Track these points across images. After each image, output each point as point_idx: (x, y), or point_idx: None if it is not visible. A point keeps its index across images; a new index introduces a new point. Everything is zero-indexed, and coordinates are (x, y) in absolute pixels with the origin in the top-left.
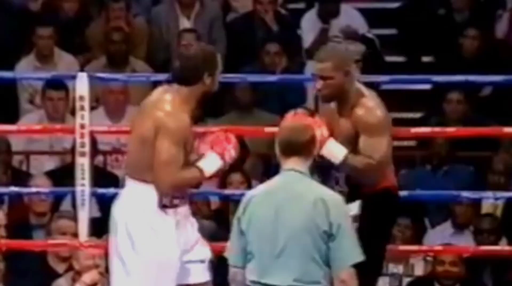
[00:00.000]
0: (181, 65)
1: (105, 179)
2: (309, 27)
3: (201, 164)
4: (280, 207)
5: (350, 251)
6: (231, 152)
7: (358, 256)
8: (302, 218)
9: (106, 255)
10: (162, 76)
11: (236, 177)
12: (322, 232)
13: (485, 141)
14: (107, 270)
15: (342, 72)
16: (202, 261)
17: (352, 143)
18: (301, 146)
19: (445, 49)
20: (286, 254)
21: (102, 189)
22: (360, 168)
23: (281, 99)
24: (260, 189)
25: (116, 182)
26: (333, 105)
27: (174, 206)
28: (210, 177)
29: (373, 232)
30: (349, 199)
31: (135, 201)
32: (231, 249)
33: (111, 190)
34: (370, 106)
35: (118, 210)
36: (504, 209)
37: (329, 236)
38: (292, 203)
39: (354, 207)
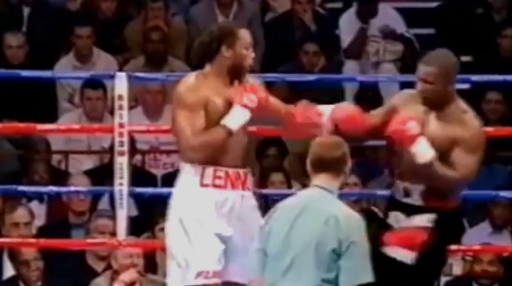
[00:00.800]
0: (196, 45)
1: (143, 178)
2: (347, 26)
3: (223, 121)
4: (294, 223)
5: (357, 271)
6: (250, 96)
7: (365, 277)
8: (312, 235)
9: (144, 254)
10: None
11: (277, 177)
12: (331, 250)
13: None
14: (145, 269)
15: (445, 80)
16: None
17: (437, 150)
18: (330, 163)
19: (483, 49)
20: (294, 271)
21: (140, 189)
22: (443, 176)
23: (319, 99)
24: (284, 202)
25: (155, 182)
26: (421, 106)
27: (217, 186)
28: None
29: (440, 248)
30: (421, 212)
31: (180, 180)
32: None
33: (149, 190)
34: (476, 126)
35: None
36: None
37: (338, 254)
38: (306, 219)
39: (424, 220)
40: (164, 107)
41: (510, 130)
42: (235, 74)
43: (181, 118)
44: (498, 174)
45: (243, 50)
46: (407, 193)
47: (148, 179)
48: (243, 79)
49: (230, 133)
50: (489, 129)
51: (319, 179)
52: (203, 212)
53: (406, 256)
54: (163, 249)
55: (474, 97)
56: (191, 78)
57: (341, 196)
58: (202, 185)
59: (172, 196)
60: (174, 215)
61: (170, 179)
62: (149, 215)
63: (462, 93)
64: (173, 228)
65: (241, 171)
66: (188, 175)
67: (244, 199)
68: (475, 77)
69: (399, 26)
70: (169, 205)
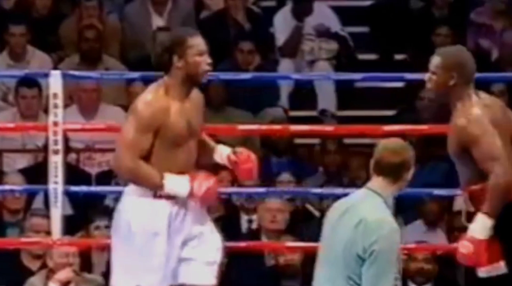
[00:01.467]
0: (152, 58)
1: (78, 177)
2: (282, 25)
3: (168, 176)
4: (337, 223)
5: (376, 280)
6: (203, 186)
7: None
8: (344, 238)
9: (79, 253)
10: (135, 74)
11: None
12: (356, 255)
13: None
14: (80, 268)
15: (448, 73)
16: (207, 263)
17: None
18: (387, 168)
19: (417, 47)
20: (327, 273)
21: (75, 187)
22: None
23: (254, 98)
24: (337, 201)
25: (89, 180)
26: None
27: (171, 198)
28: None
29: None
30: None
31: (132, 188)
32: None
33: (84, 188)
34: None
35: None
36: None
37: (362, 260)
38: (345, 220)
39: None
40: (99, 106)
41: (444, 127)
42: (192, 82)
43: (127, 133)
44: (433, 171)
45: (195, 58)
46: None
47: (82, 178)
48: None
49: (160, 188)
50: (424, 126)
51: (374, 182)
52: (156, 225)
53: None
54: (99, 248)
55: (408, 95)
56: (150, 95)
57: (275, 194)
58: (156, 196)
59: (122, 202)
60: (124, 222)
61: (104, 177)
62: (84, 213)
63: (396, 91)
64: (121, 234)
65: None
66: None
67: (196, 206)
68: (409, 75)
69: (334, 24)
70: (117, 209)
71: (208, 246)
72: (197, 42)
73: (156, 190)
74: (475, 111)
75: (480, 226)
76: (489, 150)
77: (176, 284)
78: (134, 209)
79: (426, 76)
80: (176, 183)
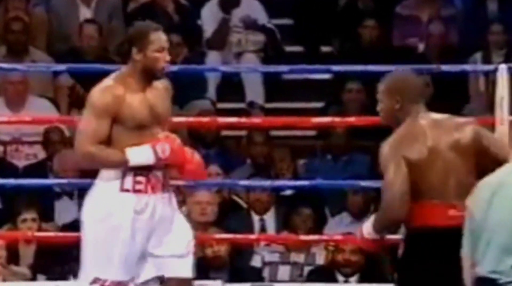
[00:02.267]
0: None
1: (5, 169)
2: (209, 17)
3: (129, 149)
4: (491, 202)
5: None
6: (166, 149)
7: None
8: (506, 214)
9: (7, 246)
10: (62, 66)
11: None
12: None
13: (383, 130)
14: (7, 261)
15: (392, 98)
16: (179, 256)
17: None
18: None
19: (344, 39)
20: (490, 253)
21: (2, 180)
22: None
23: (181, 90)
24: (483, 180)
25: (16, 173)
26: None
27: (137, 191)
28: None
29: None
30: None
31: (99, 180)
32: None
33: (11, 181)
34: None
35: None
36: None
37: None
38: (502, 197)
39: None
40: (26, 98)
41: (369, 119)
42: (148, 76)
43: (84, 121)
44: (358, 163)
45: (154, 53)
46: None
47: (9, 171)
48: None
49: (125, 163)
50: (350, 118)
51: None
52: (120, 218)
53: None
54: (26, 241)
55: (335, 87)
56: (107, 81)
57: (204, 186)
58: (122, 190)
59: (89, 194)
60: (88, 213)
61: (32, 170)
62: (11, 206)
63: (323, 83)
64: (85, 225)
65: (160, 172)
66: (108, 176)
67: (164, 201)
68: (336, 67)
69: (261, 16)
70: (85, 201)
71: (179, 239)
72: (159, 38)
73: (123, 168)
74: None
75: (366, 227)
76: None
77: (144, 280)
78: (99, 201)
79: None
80: (139, 154)
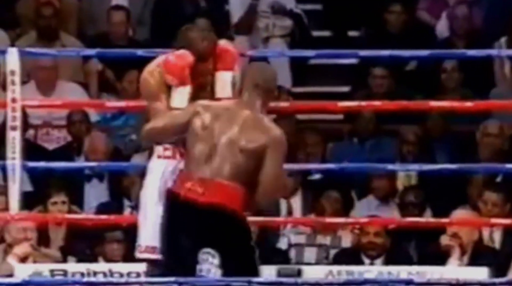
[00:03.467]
0: None
1: (35, 152)
2: (237, 2)
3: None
4: None
5: None
6: (168, 78)
7: None
8: None
9: (37, 228)
10: (91, 51)
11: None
12: None
13: (410, 115)
14: (38, 243)
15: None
16: None
17: None
18: None
19: (371, 24)
20: None
21: (33, 163)
22: None
23: None
24: None
25: (47, 156)
26: None
27: (166, 157)
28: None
29: None
30: None
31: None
32: None
33: (42, 164)
34: None
35: None
36: (424, 181)
37: None
38: None
39: None
40: (56, 82)
41: (395, 104)
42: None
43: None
44: (385, 147)
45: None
46: None
47: (40, 154)
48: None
49: (176, 110)
50: (377, 102)
51: None
52: (158, 183)
53: None
54: (56, 223)
55: (362, 71)
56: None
57: None
58: (158, 156)
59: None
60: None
61: (61, 153)
62: (42, 189)
63: (350, 68)
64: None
65: None
66: (156, 148)
67: None
68: (362, 52)
69: (289, 1)
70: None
71: None
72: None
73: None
74: None
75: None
76: None
77: None
78: (149, 173)
79: None
80: (176, 98)
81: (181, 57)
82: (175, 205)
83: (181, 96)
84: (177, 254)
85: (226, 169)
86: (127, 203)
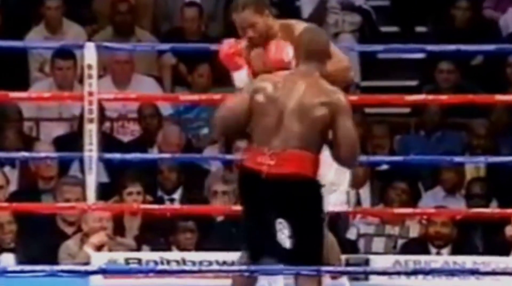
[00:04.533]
0: None
1: (112, 144)
2: None
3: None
4: None
5: None
6: (224, 50)
7: None
8: None
9: (113, 218)
10: (166, 46)
11: (241, 143)
12: None
13: (476, 108)
14: (114, 232)
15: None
16: None
17: None
18: None
19: (438, 19)
20: None
21: (109, 155)
22: None
23: None
24: None
25: (123, 148)
26: None
27: None
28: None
29: None
30: None
31: None
32: None
33: (117, 155)
34: None
35: None
36: (491, 173)
37: None
38: None
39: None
40: (132, 76)
41: (461, 97)
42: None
43: None
44: (451, 140)
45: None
46: None
47: (116, 146)
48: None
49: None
50: (443, 96)
51: None
52: None
53: None
54: (131, 213)
55: (429, 66)
56: None
57: None
58: None
59: None
60: None
61: (136, 145)
62: (118, 179)
63: (417, 62)
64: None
65: None
66: None
67: None
68: (430, 47)
69: None
70: None
71: None
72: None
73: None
74: None
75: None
76: None
77: None
78: None
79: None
80: (237, 79)
81: (230, 44)
82: (250, 179)
83: (240, 78)
84: (258, 226)
85: (295, 139)
86: (165, 196)
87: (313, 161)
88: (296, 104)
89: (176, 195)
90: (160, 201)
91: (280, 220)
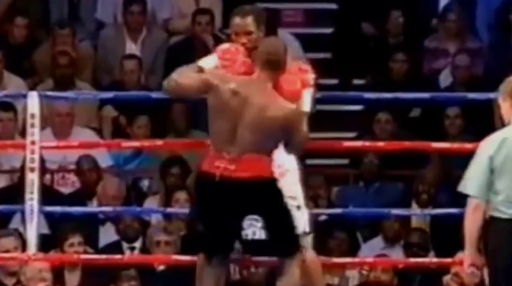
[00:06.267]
0: None
1: (52, 197)
2: None
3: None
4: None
5: None
6: (230, 50)
7: None
8: None
9: (52, 269)
10: (109, 94)
11: (181, 195)
12: None
13: (413, 159)
14: (54, 283)
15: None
16: None
17: None
18: None
19: (375, 72)
20: None
21: (50, 207)
22: None
23: None
24: (507, 133)
25: (63, 200)
26: None
27: None
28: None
29: None
30: None
31: None
32: (475, 184)
33: (58, 208)
34: None
35: None
36: (431, 224)
37: None
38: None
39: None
40: (72, 129)
41: (401, 144)
42: None
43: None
44: (389, 191)
45: (233, 36)
46: None
47: (57, 198)
48: None
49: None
50: (381, 143)
51: None
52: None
53: None
54: (71, 264)
55: (366, 118)
56: None
57: None
58: None
59: None
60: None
61: (77, 196)
62: (58, 231)
63: (355, 114)
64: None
65: None
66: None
67: None
68: (367, 95)
69: (297, 50)
70: None
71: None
72: (233, 22)
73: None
74: None
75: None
76: None
77: None
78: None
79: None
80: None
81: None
82: (212, 185)
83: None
84: (218, 227)
85: (251, 145)
86: (125, 245)
87: (268, 162)
88: (251, 117)
89: (138, 244)
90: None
91: (250, 216)
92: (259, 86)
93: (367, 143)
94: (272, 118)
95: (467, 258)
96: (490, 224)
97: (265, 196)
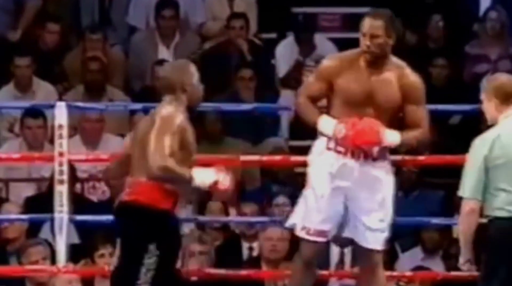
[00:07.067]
0: None
1: (83, 205)
2: (284, 56)
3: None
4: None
5: None
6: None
7: None
8: None
9: (82, 280)
10: (138, 105)
11: (215, 205)
12: None
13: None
14: None
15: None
16: (371, 229)
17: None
18: None
19: None
20: None
21: (81, 216)
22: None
23: (254, 127)
24: (499, 131)
25: (94, 209)
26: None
27: (337, 151)
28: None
29: None
30: None
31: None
32: (469, 185)
33: (89, 217)
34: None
35: None
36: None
37: None
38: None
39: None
40: (102, 136)
41: (440, 158)
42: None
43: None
44: (430, 200)
45: (361, 37)
46: None
47: (87, 207)
48: None
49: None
50: (421, 157)
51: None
52: (322, 173)
53: None
54: (102, 276)
55: None
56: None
57: (276, 223)
58: (328, 148)
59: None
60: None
61: (108, 205)
62: (89, 241)
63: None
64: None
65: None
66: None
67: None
68: None
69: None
70: None
71: (373, 214)
72: (365, 23)
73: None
74: None
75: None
76: None
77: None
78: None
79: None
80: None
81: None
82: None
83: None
84: None
85: (139, 168)
86: None
87: (150, 187)
88: (139, 137)
89: None
90: None
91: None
92: (157, 111)
93: (407, 157)
94: (145, 134)
95: (462, 257)
96: (490, 225)
97: (129, 224)
